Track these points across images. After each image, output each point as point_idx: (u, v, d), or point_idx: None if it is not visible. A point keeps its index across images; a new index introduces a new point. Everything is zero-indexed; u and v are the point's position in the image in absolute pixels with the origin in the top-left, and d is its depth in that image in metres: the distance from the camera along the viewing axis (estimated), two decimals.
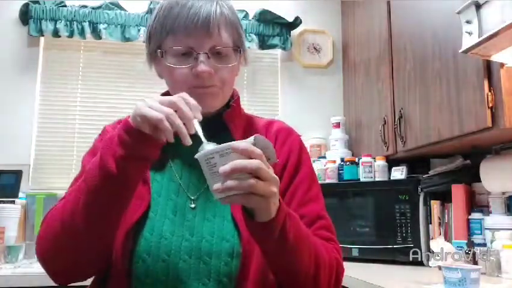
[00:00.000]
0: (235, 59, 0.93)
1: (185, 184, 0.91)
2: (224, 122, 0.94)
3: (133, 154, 0.74)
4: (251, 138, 0.70)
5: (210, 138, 0.73)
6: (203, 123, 0.77)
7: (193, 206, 0.89)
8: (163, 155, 0.82)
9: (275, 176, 0.70)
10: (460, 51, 1.50)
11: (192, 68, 0.88)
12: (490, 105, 1.56)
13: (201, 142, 0.72)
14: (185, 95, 0.75)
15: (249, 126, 0.99)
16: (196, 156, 0.70)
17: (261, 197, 0.68)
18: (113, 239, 0.82)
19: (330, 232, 0.92)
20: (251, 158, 0.67)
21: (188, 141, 0.71)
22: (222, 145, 0.67)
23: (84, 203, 0.76)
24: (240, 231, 0.84)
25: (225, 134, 0.91)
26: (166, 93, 0.97)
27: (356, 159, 2.43)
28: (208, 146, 0.70)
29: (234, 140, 0.91)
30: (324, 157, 2.68)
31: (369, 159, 2.35)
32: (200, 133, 0.73)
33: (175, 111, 0.72)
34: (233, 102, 0.98)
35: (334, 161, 2.52)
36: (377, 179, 2.30)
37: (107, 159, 0.74)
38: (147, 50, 0.96)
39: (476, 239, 1.84)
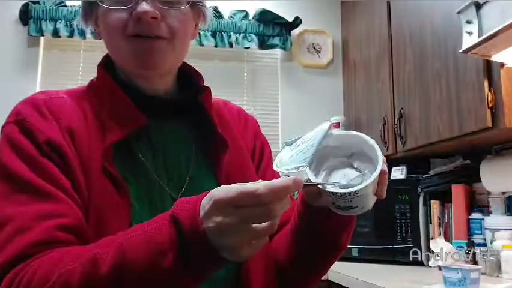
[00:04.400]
0: (188, 7, 0.76)
1: (164, 180, 0.73)
2: (201, 107, 0.80)
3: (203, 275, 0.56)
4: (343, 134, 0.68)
5: (191, 127, 0.68)
6: (164, 105, 0.75)
7: None
8: (127, 144, 0.72)
9: None
10: (460, 51, 1.50)
11: (132, 11, 0.70)
12: (490, 105, 1.56)
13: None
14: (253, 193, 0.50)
15: (215, 107, 0.84)
16: (347, 191, 0.61)
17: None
18: None
19: None
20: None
21: None
22: (374, 176, 0.61)
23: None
24: None
25: (204, 120, 0.79)
26: (102, 62, 0.79)
27: None
28: (331, 187, 0.63)
29: (215, 127, 0.78)
30: None
31: None
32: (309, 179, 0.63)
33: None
34: (201, 83, 0.83)
35: None
36: None
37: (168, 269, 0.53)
38: (82, 5, 0.79)
39: (476, 239, 1.84)
